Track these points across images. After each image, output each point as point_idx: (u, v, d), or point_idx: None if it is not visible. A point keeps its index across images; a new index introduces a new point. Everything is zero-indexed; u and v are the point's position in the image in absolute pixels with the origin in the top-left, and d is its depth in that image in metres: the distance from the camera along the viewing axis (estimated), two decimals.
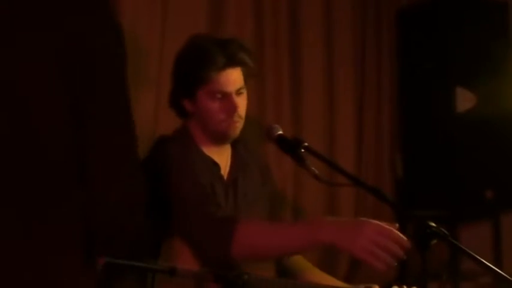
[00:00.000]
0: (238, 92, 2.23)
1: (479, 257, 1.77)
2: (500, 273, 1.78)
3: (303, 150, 2.07)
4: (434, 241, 1.76)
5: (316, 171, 2.03)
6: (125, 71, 1.36)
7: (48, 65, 1.29)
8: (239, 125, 2.25)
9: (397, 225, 1.90)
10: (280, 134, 2.14)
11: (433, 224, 1.77)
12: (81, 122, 1.31)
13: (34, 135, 1.30)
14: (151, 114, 2.91)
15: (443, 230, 1.77)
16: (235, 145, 2.34)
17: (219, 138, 2.27)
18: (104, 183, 1.32)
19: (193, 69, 2.19)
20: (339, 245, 1.95)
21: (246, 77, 2.25)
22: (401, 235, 1.86)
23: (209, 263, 2.03)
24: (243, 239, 2.02)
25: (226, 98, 2.20)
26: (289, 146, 2.10)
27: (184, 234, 2.10)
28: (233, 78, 2.20)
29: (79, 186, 1.31)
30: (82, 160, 1.31)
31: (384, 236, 1.87)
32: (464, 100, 3.36)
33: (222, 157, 2.30)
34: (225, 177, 2.28)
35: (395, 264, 1.88)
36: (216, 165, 2.26)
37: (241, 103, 2.23)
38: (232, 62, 2.20)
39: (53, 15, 1.32)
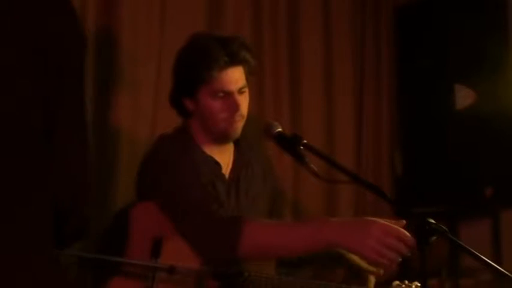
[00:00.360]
0: (241, 91, 2.22)
1: (478, 254, 1.77)
2: (500, 270, 1.78)
3: (302, 148, 2.07)
4: (434, 238, 1.76)
5: (316, 169, 2.02)
6: (83, 70, 1.41)
7: (26, 64, 1.31)
8: (240, 124, 2.24)
9: (404, 222, 1.90)
10: (279, 132, 2.13)
11: (433, 221, 1.77)
12: (50, 118, 1.34)
13: (9, 135, 1.31)
14: (150, 115, 2.89)
15: (442, 226, 1.77)
16: (237, 143, 2.33)
17: (220, 138, 2.26)
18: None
19: (195, 68, 2.18)
20: (346, 246, 1.94)
21: (248, 75, 2.25)
22: (407, 233, 1.87)
23: (213, 262, 2.01)
24: (250, 239, 2.00)
25: (228, 97, 2.19)
26: (288, 144, 2.09)
27: (187, 234, 2.06)
28: (235, 77, 2.19)
29: (48, 177, 1.34)
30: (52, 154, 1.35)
31: (391, 236, 1.87)
32: (463, 97, 3.35)
33: (224, 156, 2.29)
34: (227, 175, 2.27)
35: (399, 261, 1.89)
36: (217, 164, 2.25)
37: (243, 102, 2.22)
38: (234, 61, 2.18)
39: (31, 16, 1.33)
